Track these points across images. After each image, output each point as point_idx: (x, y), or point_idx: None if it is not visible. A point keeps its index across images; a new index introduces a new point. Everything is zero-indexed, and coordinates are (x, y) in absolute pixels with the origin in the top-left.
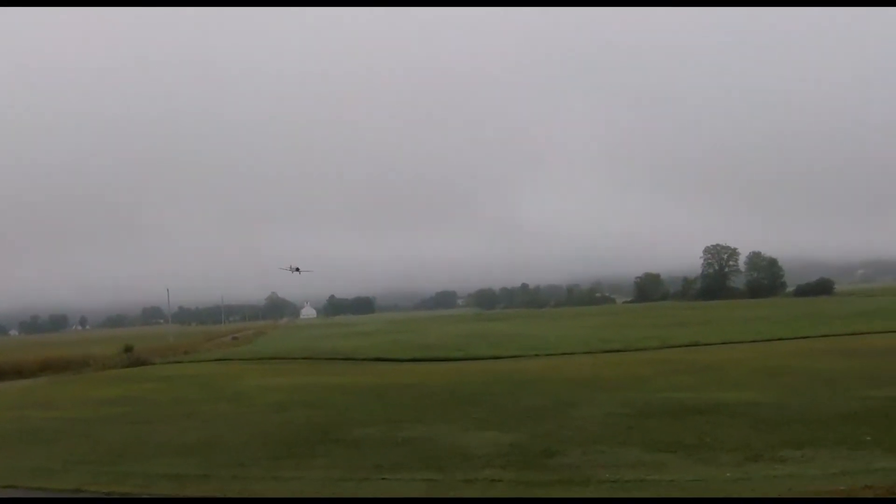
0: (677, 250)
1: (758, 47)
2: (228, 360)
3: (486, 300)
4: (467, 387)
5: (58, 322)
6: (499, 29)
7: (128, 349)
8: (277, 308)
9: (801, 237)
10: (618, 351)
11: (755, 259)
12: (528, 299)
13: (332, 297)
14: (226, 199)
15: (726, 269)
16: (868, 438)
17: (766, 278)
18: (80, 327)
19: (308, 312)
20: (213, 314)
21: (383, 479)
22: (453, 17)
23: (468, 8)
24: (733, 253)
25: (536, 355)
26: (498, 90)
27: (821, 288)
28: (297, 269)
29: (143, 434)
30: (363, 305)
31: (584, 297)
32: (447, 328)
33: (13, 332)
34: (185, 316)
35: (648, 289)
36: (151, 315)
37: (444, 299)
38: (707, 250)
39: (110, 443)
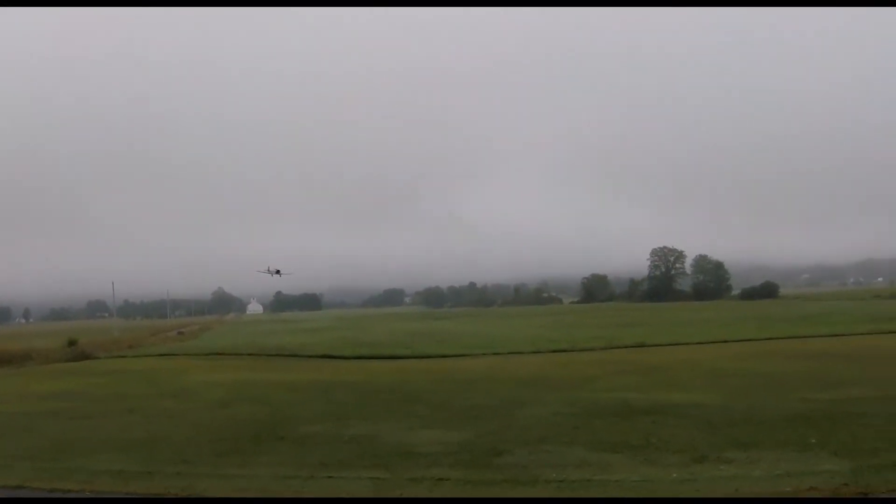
0: (624, 252)
1: (723, 49)
2: (173, 356)
3: (434, 298)
4: (414, 385)
5: (0, 314)
6: (450, 28)
7: (72, 343)
8: (223, 303)
9: (747, 241)
10: (565, 351)
11: (701, 262)
12: (475, 298)
13: (278, 293)
14: (173, 193)
15: (673, 272)
16: (813, 441)
17: (711, 281)
18: (23, 320)
19: (254, 308)
20: (159, 308)
21: (329, 477)
22: (398, 17)
23: (409, 8)
24: (680, 255)
25: (483, 354)
26: (447, 89)
27: (766, 291)
28: (278, 272)
29: (87, 429)
30: (310, 302)
31: (531, 297)
32: (394, 326)
33: None
34: (131, 310)
35: (595, 289)
36: (96, 308)
37: (392, 297)
38: (654, 252)
39: (53, 438)
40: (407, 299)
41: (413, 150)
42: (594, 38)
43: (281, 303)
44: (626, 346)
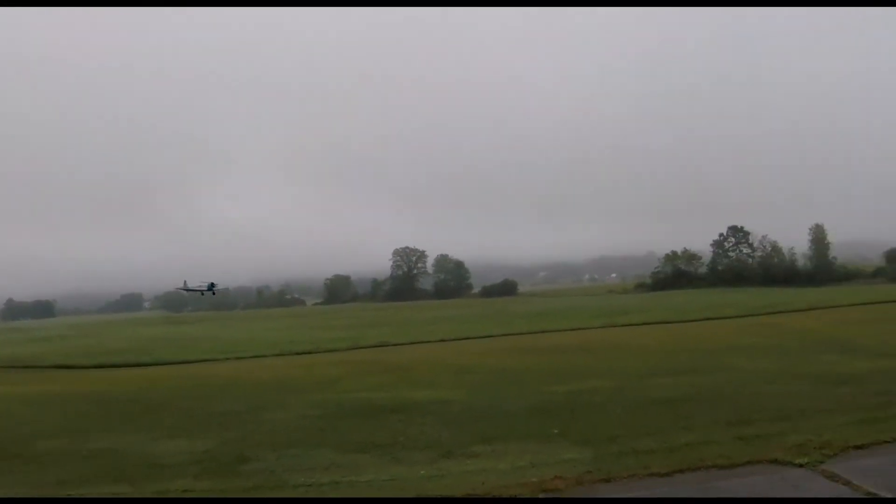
0: (367, 252)
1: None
2: None
3: (174, 302)
4: (156, 393)
5: None
6: (199, 29)
7: None
8: None
9: (487, 240)
10: (308, 353)
11: (442, 261)
12: (216, 301)
13: (9, 300)
14: None
15: (415, 271)
16: (555, 431)
17: (452, 280)
18: None
19: None
20: None
21: (69, 495)
22: (153, 17)
23: (163, 8)
24: (422, 255)
25: (226, 359)
26: (191, 91)
27: (505, 289)
28: (212, 287)
29: None
30: (42, 309)
31: (273, 299)
32: (134, 332)
33: None
34: None
35: (338, 290)
36: None
37: (130, 302)
38: (396, 252)
39: None
40: (146, 304)
41: (152, 151)
42: (345, 40)
43: (12, 311)
44: (369, 347)
